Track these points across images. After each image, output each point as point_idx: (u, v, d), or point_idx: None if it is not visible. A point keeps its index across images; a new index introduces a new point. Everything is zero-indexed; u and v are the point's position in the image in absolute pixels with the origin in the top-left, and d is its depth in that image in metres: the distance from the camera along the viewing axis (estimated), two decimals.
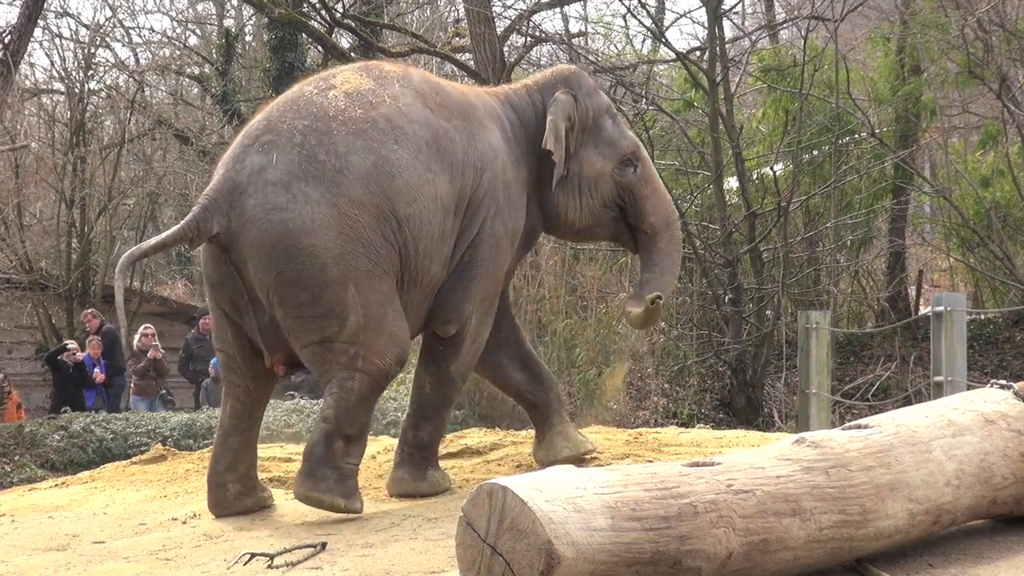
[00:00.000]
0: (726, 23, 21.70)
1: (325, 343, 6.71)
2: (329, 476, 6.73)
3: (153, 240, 6.82)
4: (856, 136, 19.91)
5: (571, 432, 7.81)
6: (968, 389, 10.03)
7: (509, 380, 7.86)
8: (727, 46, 20.46)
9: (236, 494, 7.13)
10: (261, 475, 7.57)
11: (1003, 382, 5.60)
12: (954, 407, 5.42)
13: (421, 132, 6.94)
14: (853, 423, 5.27)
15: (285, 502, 7.32)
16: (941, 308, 11.81)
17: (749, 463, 4.85)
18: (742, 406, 17.54)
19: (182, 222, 6.78)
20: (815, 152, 19.68)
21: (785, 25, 23.09)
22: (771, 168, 19.19)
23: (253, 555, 5.90)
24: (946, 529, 5.26)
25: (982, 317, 19.60)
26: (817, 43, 19.85)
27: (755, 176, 19.63)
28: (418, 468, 7.30)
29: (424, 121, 6.98)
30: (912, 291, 21.39)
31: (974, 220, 18.62)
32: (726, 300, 18.06)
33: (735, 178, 18.70)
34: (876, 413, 6.22)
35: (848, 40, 21.62)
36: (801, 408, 14.36)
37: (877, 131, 19.11)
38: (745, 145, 19.20)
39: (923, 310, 20.07)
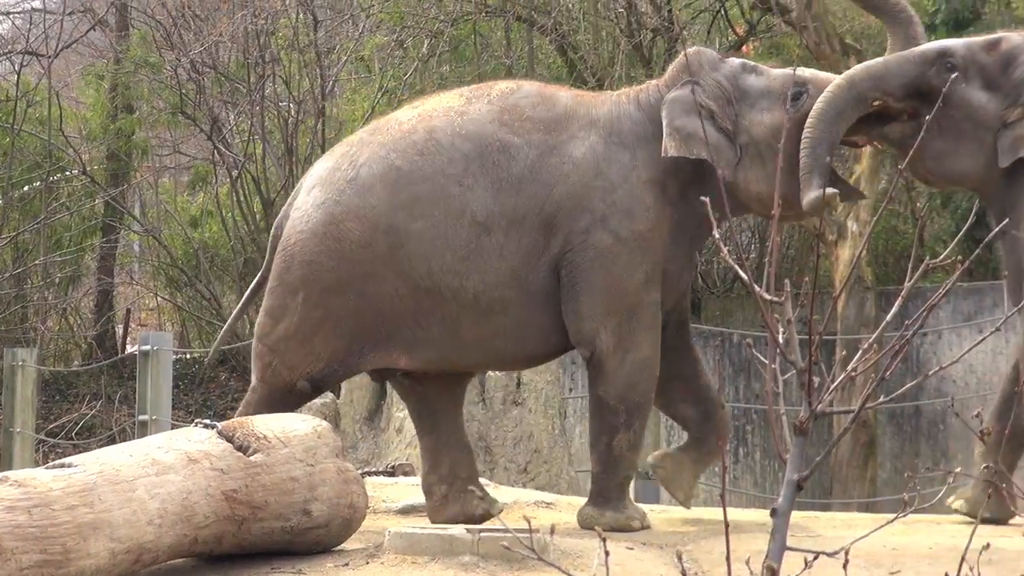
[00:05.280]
0: None
1: (257, 340, 6.67)
2: None
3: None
4: (68, 173, 19.78)
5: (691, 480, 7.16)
6: (173, 428, 10.21)
7: (678, 414, 7.19)
8: None
9: (441, 497, 6.82)
10: None
11: (207, 421, 5.72)
12: (159, 446, 5.50)
13: (464, 146, 6.59)
14: (57, 462, 5.24)
15: None
16: (148, 347, 11.95)
17: None
18: None
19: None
20: (26, 188, 19.39)
21: None
22: None
23: None
24: (148, 568, 5.33)
25: (188, 356, 19.90)
26: (31, 79, 19.61)
27: None
28: (595, 504, 6.62)
29: (475, 135, 6.61)
30: (120, 329, 21.46)
31: (182, 260, 18.87)
32: None
33: None
34: (81, 452, 6.23)
35: (62, 77, 21.36)
36: (5, 447, 14.09)
37: (88, 169, 19.07)
38: None
39: (130, 349, 20.20)
